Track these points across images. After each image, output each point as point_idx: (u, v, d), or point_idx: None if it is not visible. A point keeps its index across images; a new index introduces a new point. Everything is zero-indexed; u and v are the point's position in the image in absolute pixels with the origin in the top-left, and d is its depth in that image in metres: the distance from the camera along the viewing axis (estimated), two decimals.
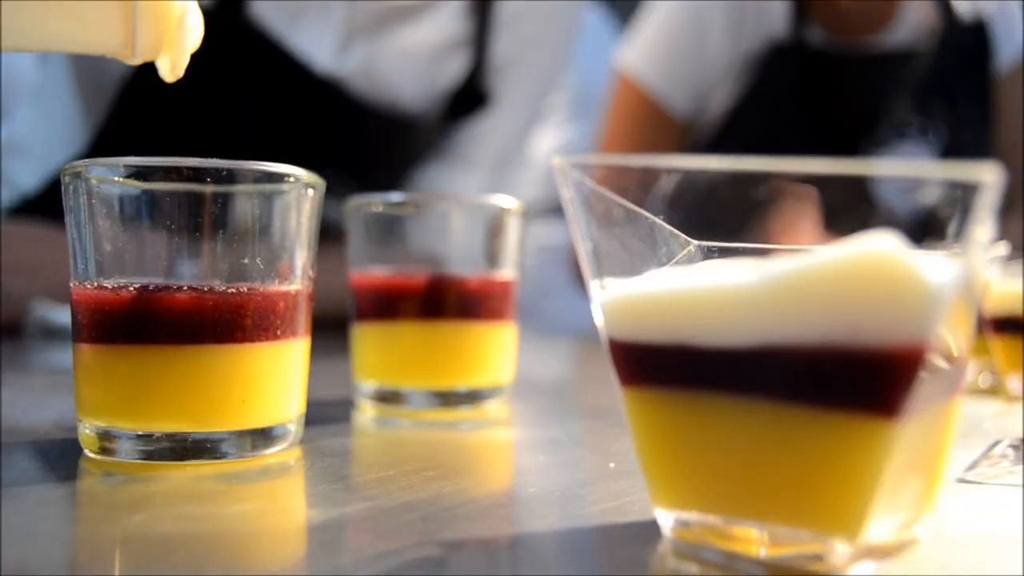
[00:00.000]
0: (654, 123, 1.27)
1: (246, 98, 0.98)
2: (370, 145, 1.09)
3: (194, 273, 0.36)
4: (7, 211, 1.07)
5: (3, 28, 0.33)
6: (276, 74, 1.01)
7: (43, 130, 1.12)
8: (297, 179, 0.38)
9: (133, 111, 1.00)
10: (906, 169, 0.28)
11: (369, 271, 0.52)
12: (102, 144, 1.03)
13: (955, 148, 1.15)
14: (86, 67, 1.06)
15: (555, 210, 1.51)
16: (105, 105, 1.02)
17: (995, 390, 0.62)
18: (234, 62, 0.98)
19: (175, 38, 0.36)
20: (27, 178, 1.09)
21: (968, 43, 1.20)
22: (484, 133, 1.15)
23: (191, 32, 0.36)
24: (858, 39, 1.20)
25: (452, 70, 1.11)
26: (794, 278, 0.23)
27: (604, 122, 1.34)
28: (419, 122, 1.10)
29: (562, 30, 1.20)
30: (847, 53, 1.20)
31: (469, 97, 1.12)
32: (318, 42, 1.03)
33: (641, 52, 1.28)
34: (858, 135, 1.17)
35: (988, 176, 0.21)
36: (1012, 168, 1.05)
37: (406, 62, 1.08)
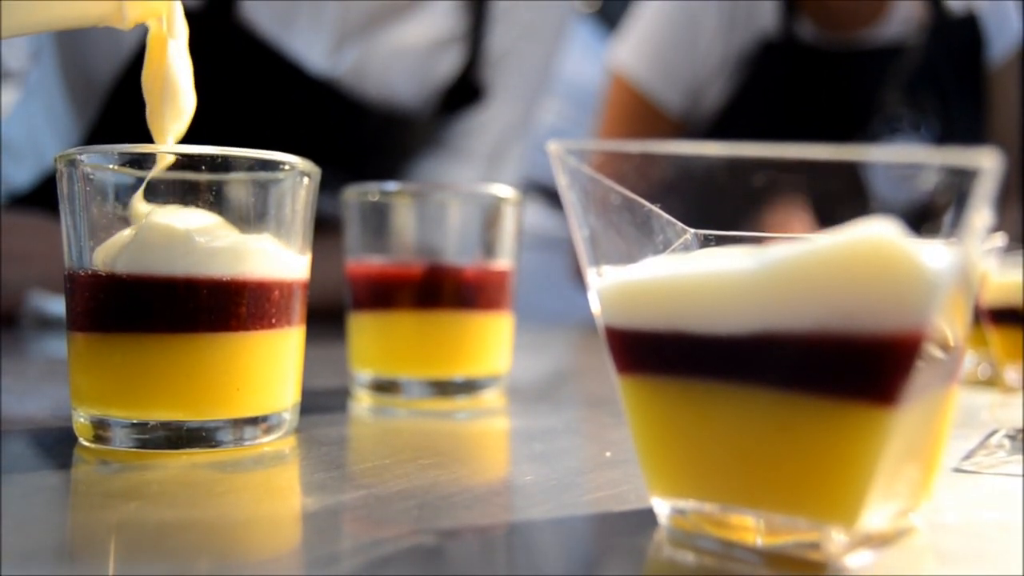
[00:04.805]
0: (648, 121, 1.27)
1: (240, 99, 0.97)
2: (366, 141, 1.08)
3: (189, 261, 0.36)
4: (2, 205, 1.07)
5: None
6: (270, 76, 1.01)
7: (35, 129, 1.12)
8: (292, 167, 0.38)
9: (124, 112, 0.99)
10: (904, 155, 0.28)
11: (365, 260, 0.52)
12: (94, 143, 1.03)
13: (948, 142, 1.15)
14: (76, 67, 1.06)
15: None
16: (96, 106, 1.02)
17: (993, 381, 0.62)
18: (226, 64, 0.97)
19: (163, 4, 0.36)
20: (19, 176, 1.09)
21: (960, 37, 1.20)
22: (480, 125, 1.15)
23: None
24: (849, 34, 1.20)
25: (447, 65, 1.10)
26: (791, 265, 0.22)
27: (599, 121, 1.34)
28: (415, 117, 1.10)
29: (556, 19, 1.19)
30: (838, 48, 1.20)
31: (464, 91, 1.11)
32: (311, 44, 1.02)
33: (634, 51, 1.28)
34: (851, 130, 1.17)
35: (986, 162, 0.21)
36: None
37: (400, 60, 1.07)
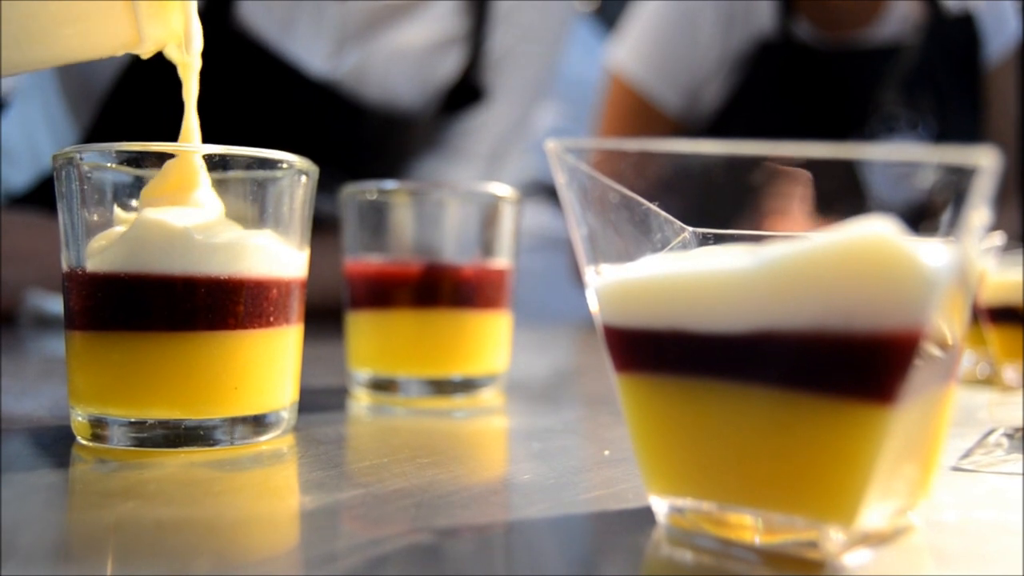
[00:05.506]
0: (647, 121, 1.27)
1: (241, 103, 0.97)
2: (367, 143, 1.08)
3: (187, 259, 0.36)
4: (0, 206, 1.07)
5: (16, 49, 0.33)
6: (270, 80, 1.00)
7: (32, 133, 1.12)
8: (290, 165, 0.38)
9: (121, 115, 0.99)
10: (902, 154, 0.28)
11: (364, 259, 0.52)
12: None
13: (945, 141, 1.15)
14: (73, 70, 1.05)
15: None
16: (93, 109, 1.01)
17: (991, 380, 0.62)
18: (227, 68, 0.97)
19: (179, 22, 0.36)
20: (16, 179, 1.09)
21: (956, 36, 1.20)
22: (480, 126, 1.15)
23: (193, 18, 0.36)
24: (846, 34, 1.20)
25: (447, 67, 1.10)
26: (789, 263, 0.22)
27: (597, 121, 1.34)
28: (415, 119, 1.10)
29: (557, 21, 1.19)
30: (836, 48, 1.20)
31: (465, 92, 1.11)
32: (312, 48, 1.02)
33: (632, 50, 1.28)
34: (848, 129, 1.17)
35: (984, 161, 0.21)
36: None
37: (400, 62, 1.07)
